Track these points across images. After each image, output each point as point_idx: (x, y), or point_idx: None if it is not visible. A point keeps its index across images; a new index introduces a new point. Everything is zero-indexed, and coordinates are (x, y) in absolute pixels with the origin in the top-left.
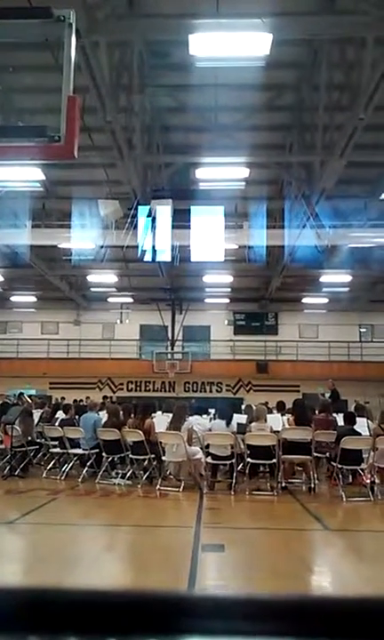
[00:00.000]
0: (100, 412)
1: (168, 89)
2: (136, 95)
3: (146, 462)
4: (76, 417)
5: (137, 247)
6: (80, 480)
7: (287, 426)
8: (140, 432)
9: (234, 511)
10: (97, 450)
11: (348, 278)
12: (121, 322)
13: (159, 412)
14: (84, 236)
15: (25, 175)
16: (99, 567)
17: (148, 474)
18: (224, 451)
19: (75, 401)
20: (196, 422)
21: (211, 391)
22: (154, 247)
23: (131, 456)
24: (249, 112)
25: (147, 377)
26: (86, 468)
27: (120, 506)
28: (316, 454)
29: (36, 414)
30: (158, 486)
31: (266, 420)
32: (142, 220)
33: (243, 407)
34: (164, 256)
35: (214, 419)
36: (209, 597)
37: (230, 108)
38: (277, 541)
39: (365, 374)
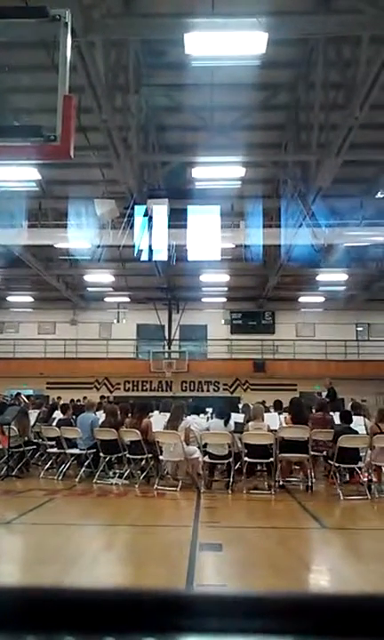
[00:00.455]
0: (98, 412)
1: (164, 88)
2: (132, 94)
3: (143, 462)
4: (74, 417)
5: (133, 247)
6: (77, 480)
7: (284, 424)
8: (138, 432)
9: (231, 510)
10: (94, 450)
11: (344, 277)
12: (118, 321)
13: (156, 412)
14: (80, 236)
15: (21, 175)
16: (96, 567)
17: (145, 473)
18: (221, 450)
19: (72, 401)
20: (194, 422)
21: (208, 390)
22: (150, 246)
23: (128, 456)
24: (245, 111)
25: (144, 376)
26: (84, 468)
27: (117, 505)
28: (313, 453)
29: (34, 414)
30: (156, 486)
31: (263, 419)
32: (139, 219)
33: (240, 406)
34: (161, 255)
35: (212, 418)
36: (206, 595)
37: (226, 107)
38: (275, 540)
39: (362, 373)
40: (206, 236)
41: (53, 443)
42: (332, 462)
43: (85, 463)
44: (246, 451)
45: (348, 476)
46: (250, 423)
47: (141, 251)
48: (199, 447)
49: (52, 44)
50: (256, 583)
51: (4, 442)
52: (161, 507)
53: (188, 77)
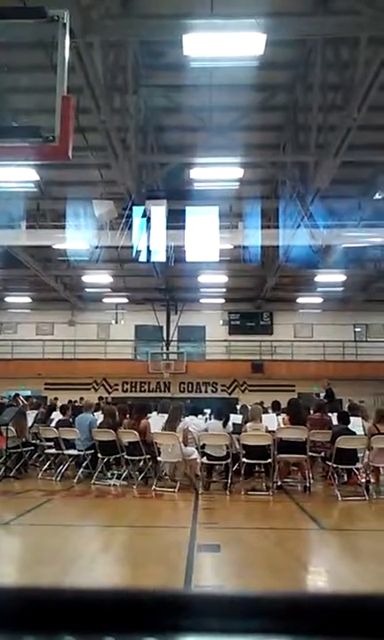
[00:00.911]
0: (96, 413)
1: (162, 89)
2: (130, 95)
3: (141, 463)
4: (72, 418)
5: (132, 247)
6: (75, 481)
7: (282, 425)
8: (136, 433)
9: (229, 511)
10: (92, 451)
11: (342, 278)
12: (116, 322)
13: (154, 413)
14: (78, 237)
15: (19, 176)
16: (94, 568)
17: (143, 474)
18: (219, 451)
19: (70, 402)
20: (192, 423)
21: (206, 391)
22: (148, 247)
23: (126, 457)
24: (243, 112)
25: (142, 377)
26: (82, 469)
27: (115, 506)
28: (311, 454)
29: (31, 415)
30: (154, 487)
31: (261, 420)
32: (137, 220)
33: (238, 407)
34: (159, 256)
35: (210, 419)
36: (204, 595)
37: (225, 108)
38: (273, 541)
39: (360, 374)
40: (204, 237)
41: (52, 443)
42: (329, 463)
43: (83, 464)
44: (244, 452)
45: (346, 477)
46: (248, 424)
47: (140, 252)
48: (197, 448)
49: (50, 44)
50: (254, 584)
51: (1, 443)
52: (159, 508)
53: (186, 78)
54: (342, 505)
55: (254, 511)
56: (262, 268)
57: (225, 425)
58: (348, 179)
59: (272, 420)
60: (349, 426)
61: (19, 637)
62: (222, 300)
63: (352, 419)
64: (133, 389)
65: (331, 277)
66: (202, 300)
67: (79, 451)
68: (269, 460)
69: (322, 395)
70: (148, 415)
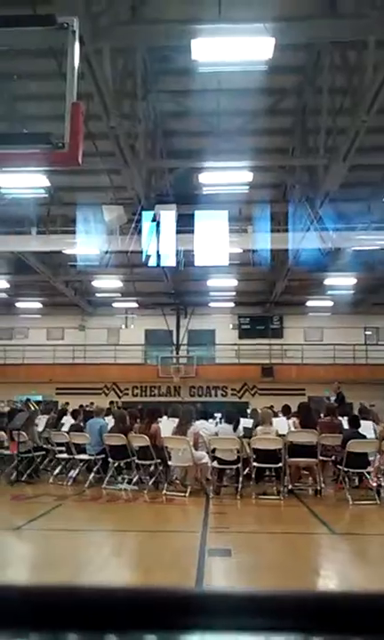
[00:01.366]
0: (106, 418)
1: (171, 94)
2: (139, 101)
3: (152, 467)
4: (83, 422)
5: (141, 252)
6: (86, 485)
7: (293, 429)
8: (146, 437)
9: (240, 515)
10: (103, 455)
11: (352, 281)
12: (126, 327)
13: (165, 417)
14: (88, 242)
15: (30, 182)
16: (105, 572)
17: (154, 479)
18: (230, 455)
19: (81, 406)
20: (202, 427)
21: (216, 395)
22: (158, 252)
23: (137, 461)
24: (252, 116)
25: (152, 382)
26: (93, 474)
27: (126, 511)
28: (321, 457)
29: (42, 420)
30: (164, 491)
31: (271, 424)
32: (146, 225)
33: (248, 411)
34: (169, 261)
35: (220, 423)
36: (210, 594)
37: (233, 113)
38: (284, 545)
39: (371, 377)
40: (214, 241)
41: (63, 448)
42: (340, 467)
43: (94, 469)
44: (255, 456)
45: (357, 481)
46: (258, 428)
47: (149, 256)
48: (208, 452)
49: (59, 51)
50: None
51: (13, 447)
52: (170, 512)
53: (195, 83)
54: (353, 509)
55: (265, 515)
56: (272, 271)
57: (235, 429)
58: (358, 181)
59: (282, 424)
60: (360, 429)
61: (26, 634)
62: (232, 304)
63: (363, 422)
64: (144, 394)
65: (341, 280)
66: (211, 304)
67: (90, 455)
68: (280, 464)
69: (332, 398)
70: (159, 419)
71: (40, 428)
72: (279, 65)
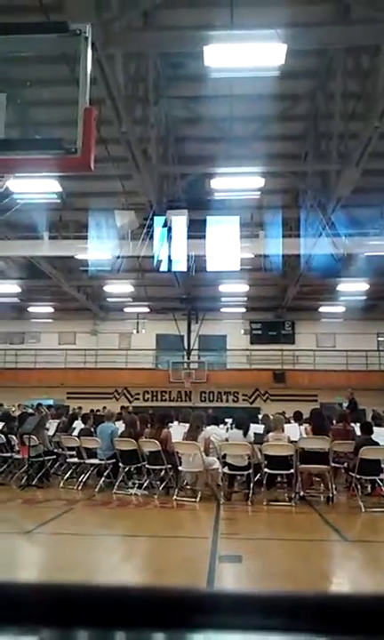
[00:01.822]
0: (117, 422)
1: (183, 100)
2: (151, 106)
3: (162, 472)
4: (93, 427)
5: (153, 257)
6: (97, 490)
7: (305, 435)
8: (157, 442)
9: (251, 522)
10: (114, 460)
11: (364, 287)
12: (137, 332)
13: (176, 422)
14: (100, 247)
15: (42, 187)
16: (115, 577)
17: (164, 484)
18: (241, 461)
19: (91, 411)
20: (213, 432)
21: (227, 401)
22: (170, 257)
23: (147, 466)
24: (264, 122)
25: (163, 387)
26: (103, 478)
27: (137, 516)
28: (334, 464)
29: (53, 424)
30: (175, 496)
31: (283, 430)
32: (158, 230)
33: (260, 417)
34: (180, 266)
35: (231, 428)
36: (224, 594)
37: (245, 119)
38: (295, 552)
39: None
40: (225, 247)
41: (73, 452)
42: (353, 474)
43: (105, 473)
44: (266, 462)
45: (369, 488)
46: (270, 434)
47: (161, 261)
48: (218, 458)
49: (72, 57)
50: None
51: (24, 452)
52: (180, 518)
53: (207, 89)
54: (365, 516)
55: (276, 522)
56: (284, 277)
57: (245, 434)
58: (370, 187)
59: (294, 430)
60: (373, 436)
61: (37, 630)
62: (243, 310)
63: (376, 429)
64: (154, 398)
65: (353, 286)
66: (223, 310)
67: (100, 460)
68: (292, 471)
69: (345, 404)
70: (170, 424)
71: (51, 433)
72: (291, 70)
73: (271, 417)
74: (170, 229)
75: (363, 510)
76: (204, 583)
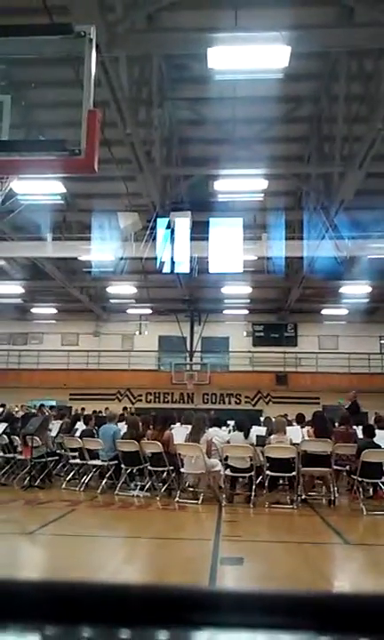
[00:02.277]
0: (119, 424)
1: (187, 102)
2: (155, 108)
3: (164, 474)
4: (96, 428)
5: (156, 259)
6: (99, 491)
7: (307, 438)
8: (159, 444)
9: (253, 524)
10: (116, 461)
11: (367, 289)
12: (140, 333)
13: (178, 424)
14: (103, 249)
15: (46, 188)
16: (117, 578)
17: (166, 486)
18: (243, 463)
19: (94, 412)
20: (216, 434)
21: (229, 403)
22: (173, 259)
23: (149, 468)
24: (267, 124)
25: (165, 388)
26: (105, 480)
27: (139, 518)
28: (335, 467)
29: (56, 425)
30: (177, 498)
31: (285, 433)
32: (161, 231)
33: (262, 419)
34: (183, 267)
35: (233, 431)
36: (225, 592)
37: (249, 121)
38: (297, 555)
39: None
40: (228, 249)
41: (76, 454)
42: (355, 477)
43: (107, 475)
44: (268, 464)
45: (371, 491)
46: (272, 436)
47: (164, 263)
48: (221, 460)
49: (76, 59)
50: None
51: (26, 452)
52: (182, 519)
53: (211, 91)
54: (367, 519)
55: (278, 524)
56: (286, 279)
57: (246, 436)
58: (374, 190)
59: (296, 433)
60: (375, 439)
61: (40, 626)
62: (246, 312)
63: (378, 432)
64: (157, 400)
65: (356, 289)
66: (225, 312)
67: (103, 461)
68: (293, 473)
69: (345, 406)
70: (172, 426)
71: (54, 434)
72: (295, 73)
73: (273, 419)
74: (173, 231)
75: (364, 513)
76: (205, 585)
